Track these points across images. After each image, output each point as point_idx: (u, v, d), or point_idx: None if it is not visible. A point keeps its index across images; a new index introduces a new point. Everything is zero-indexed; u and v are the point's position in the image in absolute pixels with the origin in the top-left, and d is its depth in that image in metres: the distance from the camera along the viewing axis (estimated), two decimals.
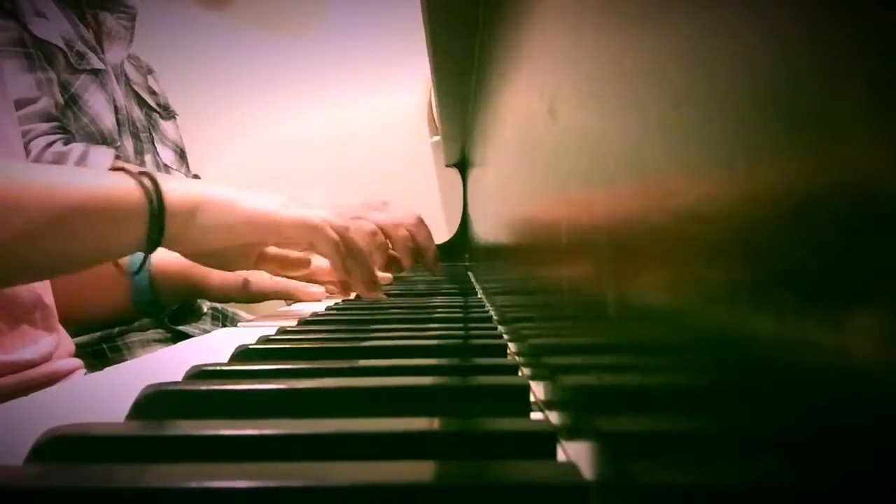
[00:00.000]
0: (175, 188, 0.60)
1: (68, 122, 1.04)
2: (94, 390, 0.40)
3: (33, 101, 0.98)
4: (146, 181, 0.59)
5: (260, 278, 0.93)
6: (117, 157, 1.00)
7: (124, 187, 0.58)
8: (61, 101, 1.04)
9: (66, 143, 0.98)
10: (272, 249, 0.75)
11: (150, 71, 1.32)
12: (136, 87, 1.23)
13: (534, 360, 0.36)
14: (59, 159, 0.96)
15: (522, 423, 0.27)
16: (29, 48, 1.02)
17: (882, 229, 0.09)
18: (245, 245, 0.67)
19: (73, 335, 0.77)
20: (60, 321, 0.71)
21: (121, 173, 0.59)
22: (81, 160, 0.97)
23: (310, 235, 0.66)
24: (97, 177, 0.59)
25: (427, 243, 0.99)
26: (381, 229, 0.93)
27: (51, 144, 0.97)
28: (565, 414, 0.27)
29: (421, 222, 0.99)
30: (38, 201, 0.52)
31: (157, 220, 0.59)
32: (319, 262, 0.83)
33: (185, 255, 0.65)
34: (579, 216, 0.25)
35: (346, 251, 0.68)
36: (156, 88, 1.31)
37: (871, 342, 0.09)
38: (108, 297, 0.93)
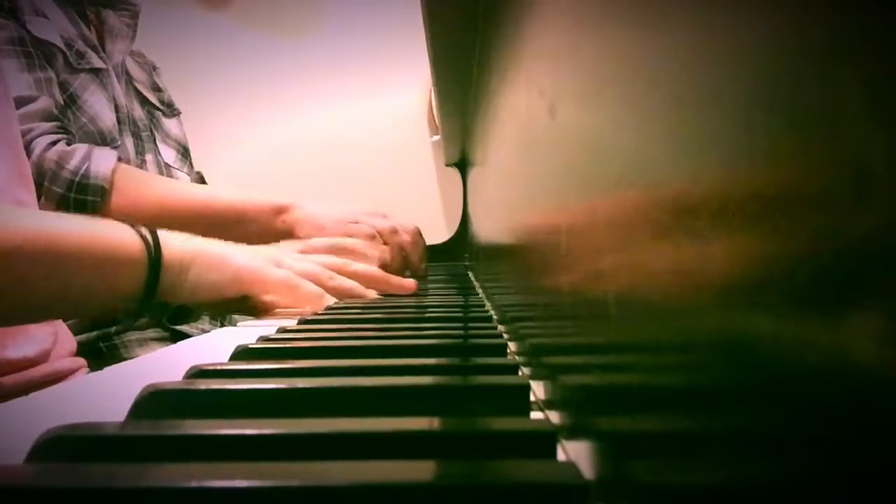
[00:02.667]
0: (172, 242, 0.63)
1: (68, 122, 1.03)
2: (93, 390, 0.40)
3: (32, 99, 0.98)
4: (146, 233, 0.61)
5: None
6: (119, 159, 1.00)
7: (123, 237, 0.60)
8: (60, 100, 1.03)
9: (68, 144, 0.98)
10: (273, 299, 0.77)
11: (154, 68, 1.32)
12: (138, 85, 1.23)
13: (534, 359, 0.36)
14: (63, 158, 0.96)
15: (522, 423, 0.27)
16: (28, 47, 1.02)
17: (882, 229, 0.09)
18: (229, 298, 0.69)
19: (73, 331, 0.77)
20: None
21: (120, 224, 0.61)
22: (84, 160, 0.97)
23: (292, 294, 0.70)
24: (96, 224, 0.61)
25: (418, 257, 1.01)
26: (380, 234, 0.95)
27: (54, 144, 0.97)
28: (565, 414, 0.27)
29: (418, 234, 1.00)
30: (39, 246, 0.53)
31: (154, 273, 0.60)
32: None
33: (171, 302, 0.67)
34: (579, 215, 0.25)
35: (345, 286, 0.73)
36: (160, 85, 1.31)
37: (871, 342, 0.09)
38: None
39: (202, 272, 0.65)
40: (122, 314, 0.90)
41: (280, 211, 1.00)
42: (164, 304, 0.91)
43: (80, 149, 0.98)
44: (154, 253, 0.61)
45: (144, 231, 0.61)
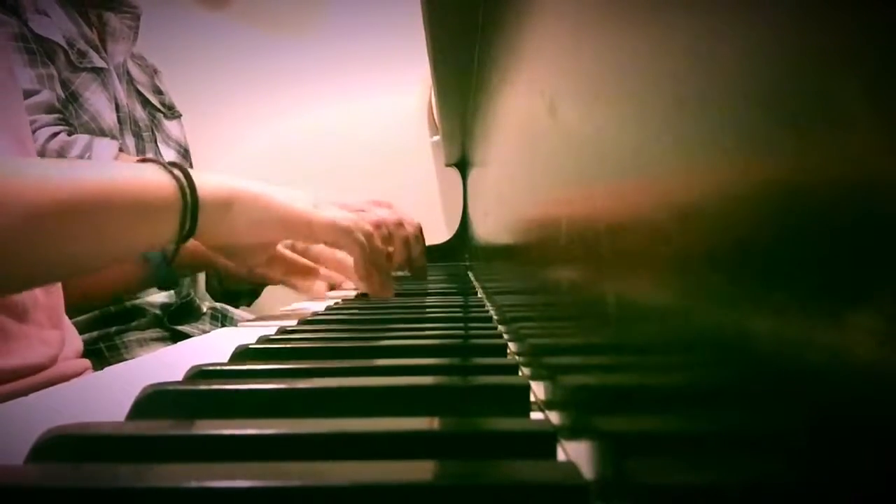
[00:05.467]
0: (208, 181, 0.60)
1: (70, 117, 1.04)
2: (93, 390, 0.40)
3: (35, 93, 0.99)
4: (178, 173, 0.58)
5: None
6: (120, 150, 1.00)
7: (156, 179, 0.57)
8: (63, 95, 1.04)
9: (69, 135, 0.98)
10: (285, 252, 0.76)
11: (156, 71, 1.32)
12: (139, 87, 1.23)
13: (534, 360, 0.36)
14: (64, 148, 0.96)
15: (522, 423, 0.27)
16: (30, 44, 1.02)
17: (882, 228, 0.09)
18: (269, 242, 0.67)
19: (79, 326, 0.76)
20: (67, 301, 0.71)
21: (152, 164, 0.59)
22: (86, 150, 0.97)
23: (339, 237, 0.67)
24: (127, 168, 0.58)
25: (420, 254, 1.00)
26: (384, 224, 0.94)
27: (55, 135, 0.97)
28: (565, 414, 0.27)
29: (420, 231, 1.00)
30: (65, 195, 0.50)
31: (190, 214, 0.58)
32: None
33: (208, 247, 0.64)
34: (579, 215, 0.25)
35: (370, 254, 0.69)
36: (162, 88, 1.31)
37: (871, 342, 0.09)
38: (118, 271, 0.92)
39: (244, 211, 0.61)
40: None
41: None
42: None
43: (81, 139, 0.98)
44: (190, 194, 0.58)
45: (177, 172, 0.58)
